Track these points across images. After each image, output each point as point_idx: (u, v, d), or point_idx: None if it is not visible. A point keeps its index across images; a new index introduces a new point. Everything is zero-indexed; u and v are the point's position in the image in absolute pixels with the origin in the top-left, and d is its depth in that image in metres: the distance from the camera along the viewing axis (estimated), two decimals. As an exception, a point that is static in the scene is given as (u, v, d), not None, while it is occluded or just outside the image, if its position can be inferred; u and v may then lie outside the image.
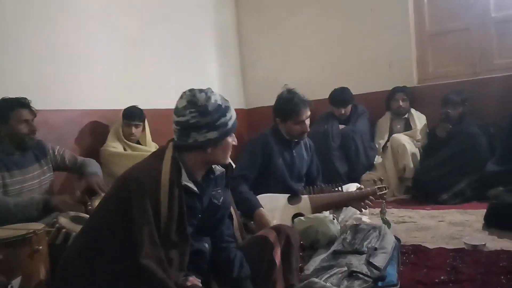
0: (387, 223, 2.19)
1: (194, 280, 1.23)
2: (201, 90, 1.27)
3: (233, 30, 4.52)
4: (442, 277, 1.57)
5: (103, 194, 1.87)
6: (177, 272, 1.19)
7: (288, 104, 2.21)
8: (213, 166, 1.36)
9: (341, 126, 3.51)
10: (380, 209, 2.21)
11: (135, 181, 1.17)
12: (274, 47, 4.34)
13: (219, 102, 1.26)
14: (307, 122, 2.24)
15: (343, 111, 3.49)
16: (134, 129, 2.79)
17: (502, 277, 1.53)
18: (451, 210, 2.64)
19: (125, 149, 2.77)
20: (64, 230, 1.53)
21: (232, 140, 1.32)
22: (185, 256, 1.22)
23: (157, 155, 1.27)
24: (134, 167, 1.26)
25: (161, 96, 3.38)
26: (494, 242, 1.93)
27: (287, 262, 1.44)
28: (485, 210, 2.27)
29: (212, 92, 1.28)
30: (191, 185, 1.26)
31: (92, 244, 1.18)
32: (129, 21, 3.18)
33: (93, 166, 2.24)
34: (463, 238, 2.00)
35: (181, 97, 1.28)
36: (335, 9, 3.97)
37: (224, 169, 1.40)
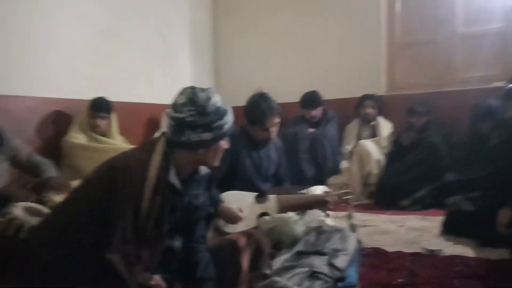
0: (353, 227, 2.23)
1: (158, 279, 1.20)
2: (202, 89, 1.25)
3: (209, 29, 4.49)
4: (400, 280, 1.61)
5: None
6: (146, 269, 1.15)
7: (256, 109, 2.18)
8: (200, 166, 1.34)
9: (311, 130, 3.55)
10: (346, 213, 2.24)
11: (123, 169, 1.14)
12: (249, 49, 4.35)
13: (219, 104, 1.24)
14: (274, 129, 2.22)
15: (313, 113, 3.53)
16: (100, 121, 2.70)
17: (456, 281, 1.58)
18: (411, 216, 2.72)
19: (89, 141, 2.67)
20: (16, 221, 1.46)
21: (225, 143, 1.31)
22: (157, 254, 1.19)
23: (148, 147, 1.23)
24: (121, 155, 1.23)
25: (131, 89, 3.30)
26: (450, 248, 2.00)
27: (255, 267, 1.43)
28: (443, 217, 2.34)
29: (214, 93, 1.26)
30: (177, 183, 1.23)
31: (62, 232, 1.15)
32: (101, 11, 3.09)
33: (51, 170, 2.14)
34: (421, 243, 2.05)
35: (181, 93, 1.25)
36: (310, 15, 4.03)
37: (208, 171, 1.38)
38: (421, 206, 2.93)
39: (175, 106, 1.23)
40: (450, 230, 2.24)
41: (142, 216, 1.12)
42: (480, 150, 2.86)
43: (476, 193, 2.32)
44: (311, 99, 3.54)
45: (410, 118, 3.29)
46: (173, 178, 1.22)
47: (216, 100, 1.24)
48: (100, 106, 2.69)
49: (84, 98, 2.76)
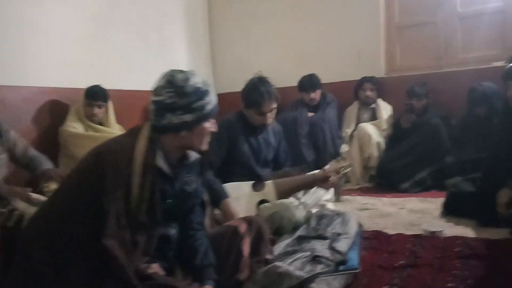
0: (337, 195, 2.24)
1: (156, 267, 1.20)
2: (181, 71, 1.23)
3: (204, 14, 4.41)
4: (401, 262, 1.62)
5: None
6: (141, 256, 1.15)
7: (253, 92, 2.14)
8: (188, 151, 1.32)
9: (310, 114, 3.53)
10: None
11: (109, 155, 1.14)
12: (246, 34, 4.28)
13: (199, 85, 1.22)
14: (271, 114, 2.18)
15: (312, 96, 3.51)
16: (96, 110, 2.67)
17: (457, 262, 1.59)
18: (412, 198, 2.73)
19: (86, 130, 2.65)
20: (17, 212, 1.46)
21: (210, 126, 1.28)
22: (152, 240, 1.19)
23: (132, 133, 1.22)
24: (107, 142, 1.22)
25: (126, 77, 3.26)
26: (450, 229, 2.01)
27: (256, 253, 1.43)
28: (443, 199, 2.35)
29: (194, 74, 1.24)
30: (164, 167, 1.23)
31: (55, 221, 1.14)
32: (94, -3, 3.03)
33: (47, 163, 2.11)
34: (422, 225, 2.06)
35: (161, 76, 1.24)
36: (307, -2, 3.96)
37: (199, 156, 1.36)
38: (422, 188, 2.94)
39: (155, 90, 1.23)
40: (450, 211, 2.25)
41: (133, 202, 1.12)
42: (477, 132, 2.86)
43: (476, 174, 2.32)
44: (309, 82, 3.51)
45: (409, 100, 3.26)
46: (161, 163, 1.21)
47: (196, 81, 1.22)
48: (96, 95, 2.65)
49: (79, 87, 2.72)
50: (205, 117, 1.25)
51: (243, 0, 4.27)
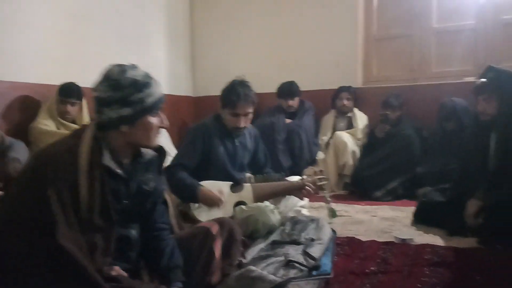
0: (332, 212, 2.26)
1: (119, 270, 1.16)
2: (120, 65, 1.19)
3: (185, 15, 4.39)
4: (372, 268, 1.64)
5: None
6: (102, 258, 1.12)
7: (230, 92, 2.12)
8: (143, 150, 1.28)
9: (288, 121, 3.55)
10: (323, 200, 2.27)
11: (51, 159, 1.08)
12: (227, 38, 4.29)
13: (138, 77, 1.17)
14: (245, 118, 2.16)
15: (290, 103, 3.53)
16: (70, 107, 2.60)
17: (426, 269, 1.62)
18: (384, 206, 2.79)
19: (58, 128, 2.57)
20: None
21: (156, 121, 1.22)
22: (110, 241, 1.14)
23: (76, 134, 1.17)
24: (50, 144, 1.17)
25: (103, 75, 3.19)
26: (420, 237, 2.05)
27: (228, 255, 1.42)
28: (414, 208, 2.40)
29: (133, 67, 1.19)
30: (114, 166, 1.18)
31: (4, 226, 1.07)
32: (71, -8, 2.97)
33: (19, 150, 2.04)
34: (393, 232, 2.10)
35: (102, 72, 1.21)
36: (288, 5, 4.01)
37: (156, 154, 1.31)
38: (394, 197, 3.01)
39: (94, 86, 1.19)
40: (421, 220, 2.31)
41: (83, 204, 1.07)
42: (447, 145, 2.96)
43: (445, 185, 2.39)
44: (288, 89, 3.54)
45: (384, 111, 3.34)
46: (109, 162, 1.17)
47: (134, 73, 1.17)
48: (70, 92, 2.58)
49: (53, 83, 2.65)
50: (146, 111, 1.18)
51: (225, 4, 4.28)
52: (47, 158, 1.09)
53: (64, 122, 2.60)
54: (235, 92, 2.10)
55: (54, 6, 2.82)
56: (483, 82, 2.04)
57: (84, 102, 2.71)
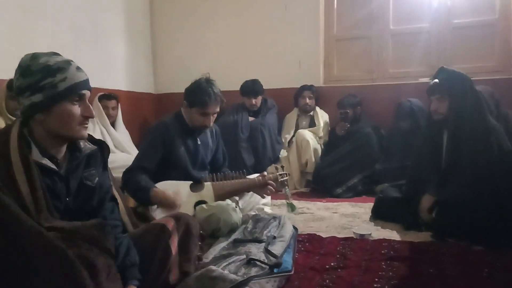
0: (292, 206, 2.29)
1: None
2: (35, 53, 1.14)
3: (145, 10, 4.28)
4: (332, 264, 1.67)
5: None
6: None
7: (200, 92, 2.11)
8: (82, 143, 1.23)
9: (251, 119, 3.55)
10: (284, 195, 2.29)
11: None
12: (189, 34, 4.22)
13: (50, 62, 1.12)
14: (212, 118, 2.18)
15: (253, 101, 3.54)
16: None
17: (383, 263, 1.68)
18: (344, 203, 2.86)
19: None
20: None
21: (76, 109, 1.14)
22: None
23: (4, 131, 1.12)
24: None
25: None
26: (378, 232, 2.12)
27: (185, 251, 1.39)
28: (372, 204, 2.48)
29: (52, 55, 1.15)
30: (46, 162, 1.12)
31: None
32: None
33: None
34: (353, 228, 2.16)
35: None
36: (251, 2, 4.00)
37: (95, 148, 1.27)
38: (354, 193, 3.09)
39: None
40: (378, 215, 2.38)
41: (28, 202, 1.03)
42: (403, 143, 3.07)
43: (402, 181, 2.48)
44: (251, 88, 3.54)
45: (343, 109, 3.42)
46: (39, 157, 1.11)
47: (48, 59, 1.12)
48: (21, 87, 2.44)
49: (1, 78, 2.49)
50: (60, 96, 1.11)
51: None
52: None
53: (14, 118, 2.45)
54: (206, 92, 2.09)
55: (1, -3, 2.66)
56: (435, 82, 2.13)
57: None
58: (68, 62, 1.15)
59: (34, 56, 1.13)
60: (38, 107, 1.10)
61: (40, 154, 1.12)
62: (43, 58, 1.13)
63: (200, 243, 1.54)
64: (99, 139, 1.32)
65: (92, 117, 1.20)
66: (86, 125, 1.18)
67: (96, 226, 1.11)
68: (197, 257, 1.48)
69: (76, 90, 1.14)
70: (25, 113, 1.12)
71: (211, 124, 2.18)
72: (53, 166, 1.14)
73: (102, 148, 1.30)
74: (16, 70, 1.13)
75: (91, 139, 1.30)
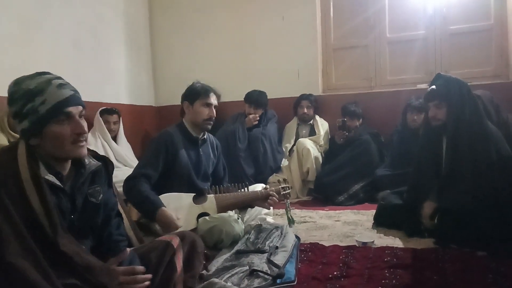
0: (291, 220, 2.30)
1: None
2: (19, 77, 1.14)
3: (145, 24, 4.34)
4: (335, 273, 1.67)
5: None
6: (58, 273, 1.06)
7: (197, 86, 2.23)
8: (87, 160, 1.24)
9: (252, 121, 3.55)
10: (285, 208, 2.30)
11: None
12: (188, 46, 4.28)
13: (31, 86, 1.10)
14: (214, 110, 2.24)
15: (252, 111, 3.53)
16: (23, 120, 2.47)
17: (386, 271, 1.67)
18: (346, 210, 2.85)
19: (9, 142, 2.44)
20: None
21: (65, 128, 1.12)
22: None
23: (10, 149, 1.13)
24: None
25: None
26: (380, 239, 2.12)
27: (190, 267, 1.40)
28: (374, 211, 2.48)
29: (36, 75, 1.14)
30: (52, 179, 1.12)
31: None
32: (22, -1, 2.84)
33: None
34: (355, 236, 2.15)
35: None
36: (248, 14, 4.06)
37: (100, 164, 1.27)
38: (356, 201, 3.09)
39: None
40: (380, 222, 2.38)
41: (41, 218, 1.03)
42: (405, 148, 3.07)
43: (403, 188, 2.48)
44: (255, 98, 3.54)
45: (343, 117, 3.43)
46: (45, 173, 1.12)
47: (29, 83, 1.11)
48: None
49: (2, 95, 2.51)
50: (44, 120, 1.09)
51: (185, 12, 4.27)
52: None
53: (16, 135, 2.47)
54: (202, 85, 2.23)
55: (3, 11, 2.69)
56: (432, 89, 2.15)
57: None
58: (48, 82, 1.12)
59: (16, 82, 1.13)
60: (27, 133, 1.11)
61: (46, 170, 1.13)
62: (25, 83, 1.11)
63: (205, 262, 1.55)
64: (103, 155, 1.33)
65: (84, 133, 1.17)
66: (81, 143, 1.16)
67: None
68: (201, 275, 1.48)
69: (59, 110, 1.11)
70: (23, 138, 1.13)
71: (214, 116, 2.23)
72: (58, 183, 1.15)
73: (106, 164, 1.31)
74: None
75: (95, 155, 1.31)
